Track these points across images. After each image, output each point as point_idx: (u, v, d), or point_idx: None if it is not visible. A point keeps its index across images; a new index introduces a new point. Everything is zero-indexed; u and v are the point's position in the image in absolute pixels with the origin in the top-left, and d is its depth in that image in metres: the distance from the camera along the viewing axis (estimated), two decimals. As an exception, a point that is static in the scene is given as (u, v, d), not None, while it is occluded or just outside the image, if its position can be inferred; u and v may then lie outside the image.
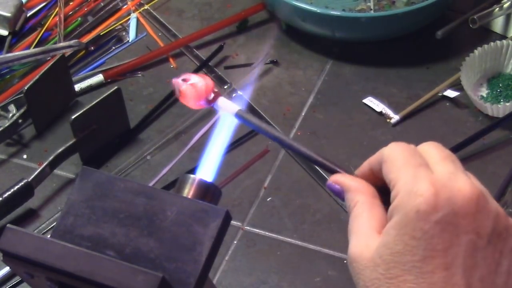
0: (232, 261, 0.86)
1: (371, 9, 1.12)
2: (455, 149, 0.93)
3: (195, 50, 1.12)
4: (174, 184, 0.74)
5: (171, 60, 1.11)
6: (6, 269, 0.84)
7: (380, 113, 1.01)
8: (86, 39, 1.12)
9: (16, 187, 0.88)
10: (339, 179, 0.50)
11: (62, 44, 1.07)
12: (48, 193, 0.93)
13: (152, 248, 0.47)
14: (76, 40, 1.07)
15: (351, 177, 0.50)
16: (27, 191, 0.89)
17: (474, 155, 0.95)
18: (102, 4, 1.19)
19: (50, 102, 1.01)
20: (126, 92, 1.03)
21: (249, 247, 0.87)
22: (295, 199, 0.91)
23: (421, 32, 1.09)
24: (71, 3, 1.17)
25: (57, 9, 1.15)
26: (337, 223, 0.88)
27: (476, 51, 1.01)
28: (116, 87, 0.96)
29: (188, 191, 0.50)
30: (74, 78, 1.06)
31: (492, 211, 0.44)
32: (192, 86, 0.54)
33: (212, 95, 0.54)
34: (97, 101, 0.94)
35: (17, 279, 0.84)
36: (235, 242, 0.88)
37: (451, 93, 1.02)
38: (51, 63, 0.99)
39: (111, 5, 1.18)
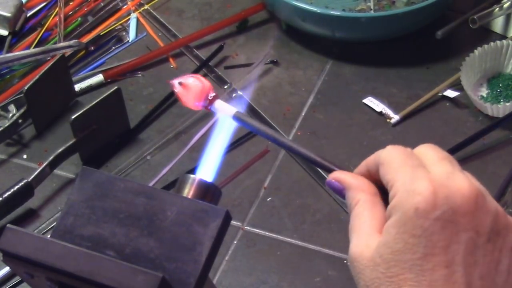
0: (232, 261, 0.86)
1: (371, 9, 1.12)
2: (455, 149, 0.93)
3: (195, 50, 1.12)
4: (174, 184, 0.74)
5: (171, 60, 1.11)
6: (6, 269, 0.84)
7: (380, 113, 1.01)
8: (86, 39, 1.12)
9: (16, 187, 0.88)
10: (340, 176, 0.50)
11: (62, 44, 1.07)
12: (48, 193, 0.93)
13: (152, 248, 0.47)
14: (76, 40, 1.07)
15: (352, 175, 0.50)
16: (27, 191, 0.89)
17: (474, 155, 0.95)
18: (102, 4, 1.19)
19: (50, 102, 1.01)
20: (126, 92, 1.03)
21: (249, 247, 0.87)
22: (295, 199, 0.91)
23: (421, 32, 1.09)
24: (71, 3, 1.17)
25: (57, 9, 1.15)
26: (337, 223, 0.88)
27: (476, 51, 1.01)
28: (116, 87, 0.96)
29: (188, 191, 0.51)
30: (74, 78, 1.06)
31: (491, 210, 0.45)
32: (188, 87, 0.54)
33: (210, 97, 0.54)
34: (97, 101, 0.94)
35: (17, 279, 0.84)
36: (235, 242, 0.88)
37: (451, 93, 1.02)
38: (51, 63, 0.99)
39: (111, 5, 1.18)
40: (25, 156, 0.98)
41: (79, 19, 1.16)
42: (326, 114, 1.02)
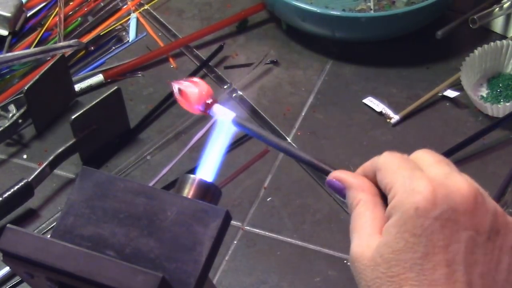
0: (232, 261, 0.86)
1: (371, 9, 1.12)
2: (455, 149, 0.93)
3: (195, 50, 1.12)
4: (174, 184, 0.74)
5: (171, 60, 1.11)
6: (6, 269, 0.84)
7: (380, 113, 1.01)
8: (86, 39, 1.12)
9: (16, 187, 0.88)
10: (341, 176, 0.50)
11: (62, 43, 1.07)
12: (48, 193, 0.93)
13: (152, 248, 0.47)
14: (76, 40, 1.07)
15: (352, 174, 0.50)
16: (27, 191, 0.89)
17: (474, 155, 0.95)
18: (102, 4, 1.19)
19: (50, 102, 1.01)
20: (126, 92, 1.03)
21: (249, 247, 0.87)
22: (295, 199, 0.91)
23: (421, 32, 1.09)
24: (71, 3, 1.17)
25: (57, 9, 1.15)
26: (337, 223, 0.88)
27: (476, 51, 1.01)
28: (116, 87, 0.96)
29: (188, 191, 0.51)
30: (74, 78, 1.06)
31: (490, 209, 0.45)
32: (187, 91, 0.55)
33: (209, 101, 0.55)
34: (97, 101, 0.94)
35: (17, 279, 0.84)
36: (235, 242, 0.88)
37: (451, 93, 1.02)
38: (51, 63, 0.99)
39: (111, 5, 1.18)
40: (25, 156, 0.98)
41: (79, 19, 1.16)
42: (326, 114, 1.02)
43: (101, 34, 1.14)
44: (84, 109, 0.93)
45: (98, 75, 1.07)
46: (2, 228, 0.46)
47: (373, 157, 0.49)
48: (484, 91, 1.02)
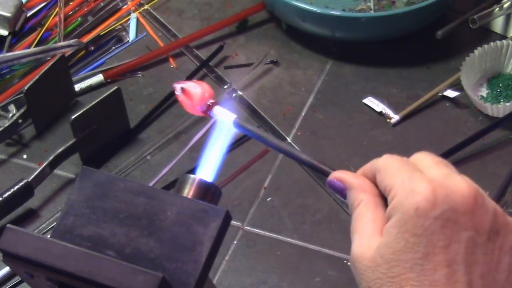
0: (232, 261, 0.86)
1: (371, 9, 1.12)
2: (455, 149, 0.93)
3: (195, 50, 1.12)
4: (174, 184, 0.74)
5: (171, 60, 1.11)
6: (6, 269, 0.84)
7: (380, 113, 1.01)
8: (86, 39, 1.12)
9: (16, 187, 0.88)
10: (341, 176, 0.50)
11: (62, 43, 1.07)
12: (48, 193, 0.93)
13: (152, 248, 0.47)
14: (76, 40, 1.07)
15: (353, 175, 0.50)
16: (27, 191, 0.89)
17: (474, 155, 0.95)
18: (102, 4, 1.19)
19: (50, 102, 1.01)
20: (126, 92, 1.03)
21: (249, 247, 0.87)
22: (295, 199, 0.91)
23: (421, 32, 1.09)
24: (71, 3, 1.17)
25: (57, 9, 1.15)
26: (337, 223, 0.88)
27: (476, 51, 1.01)
28: (116, 87, 0.96)
29: (188, 191, 0.51)
30: (74, 78, 1.06)
31: (490, 209, 0.45)
32: (188, 93, 0.55)
33: (210, 103, 0.55)
34: (97, 101, 0.94)
35: (17, 279, 0.84)
36: (235, 242, 0.88)
37: (451, 93, 1.02)
38: (51, 63, 0.99)
39: (111, 5, 1.18)
40: (25, 156, 0.98)
41: (79, 19, 1.16)
42: (326, 114, 1.02)
43: (101, 34, 1.14)
44: (84, 109, 0.93)
45: (98, 75, 1.07)
46: (2, 228, 0.46)
47: (373, 157, 0.50)
48: (484, 91, 1.02)
